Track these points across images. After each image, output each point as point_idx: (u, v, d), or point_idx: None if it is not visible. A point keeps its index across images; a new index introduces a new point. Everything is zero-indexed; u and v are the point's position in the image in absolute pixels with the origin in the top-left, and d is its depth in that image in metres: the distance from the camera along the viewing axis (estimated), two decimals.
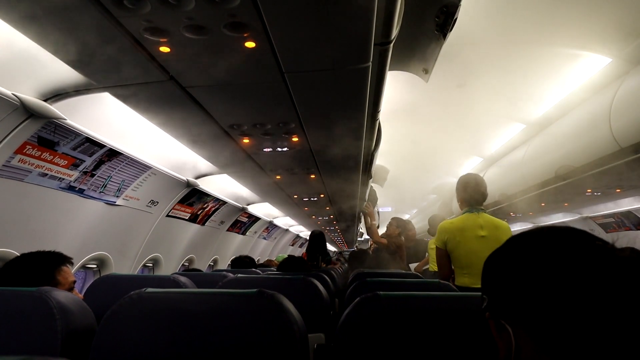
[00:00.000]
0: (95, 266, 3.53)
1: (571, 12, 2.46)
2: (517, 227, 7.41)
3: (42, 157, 2.27)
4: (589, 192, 4.22)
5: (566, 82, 3.29)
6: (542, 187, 4.08)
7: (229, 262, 6.65)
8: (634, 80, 2.53)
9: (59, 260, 1.72)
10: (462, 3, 2.01)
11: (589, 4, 2.38)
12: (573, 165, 3.31)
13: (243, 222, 6.61)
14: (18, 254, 1.80)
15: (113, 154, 2.70)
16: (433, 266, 3.94)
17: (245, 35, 1.47)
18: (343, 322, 1.32)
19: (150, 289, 1.32)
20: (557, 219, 6.66)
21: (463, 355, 1.20)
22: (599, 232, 5.89)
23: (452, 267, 2.65)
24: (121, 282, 2.14)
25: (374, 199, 6.68)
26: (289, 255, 3.46)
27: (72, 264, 1.76)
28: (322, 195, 5.06)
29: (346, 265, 7.08)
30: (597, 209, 5.66)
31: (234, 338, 1.23)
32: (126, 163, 2.91)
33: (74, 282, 1.76)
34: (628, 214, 5.26)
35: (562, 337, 0.60)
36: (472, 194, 2.70)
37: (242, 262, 4.07)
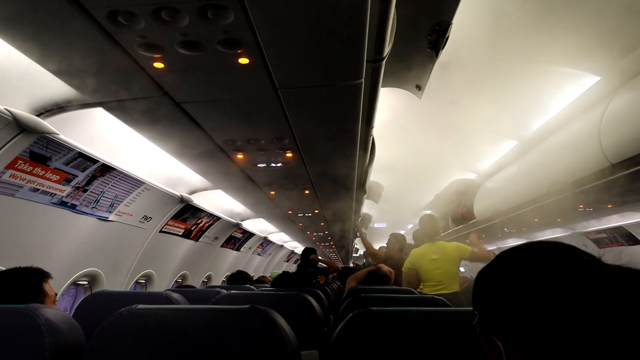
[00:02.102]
0: (86, 283, 3.48)
1: (560, 31, 2.51)
2: (511, 243, 7.42)
3: (33, 172, 2.26)
4: (581, 207, 4.25)
5: (557, 99, 3.34)
6: (535, 203, 4.10)
7: (223, 279, 6.58)
8: (622, 98, 2.57)
9: (41, 275, 1.70)
10: (454, 22, 2.05)
11: (577, 23, 2.43)
12: (565, 181, 3.34)
13: (237, 237, 6.57)
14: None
15: (106, 169, 2.69)
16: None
17: (239, 51, 1.49)
18: (336, 339, 1.31)
19: (141, 306, 1.31)
20: (551, 234, 6.67)
21: None
22: (592, 248, 5.91)
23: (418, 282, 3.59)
24: (112, 298, 2.11)
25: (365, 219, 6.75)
26: (283, 272, 3.43)
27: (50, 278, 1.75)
28: (316, 211, 5.06)
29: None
30: (590, 224, 5.68)
31: (225, 355, 1.21)
32: (119, 178, 2.90)
33: (56, 294, 1.75)
34: (620, 229, 5.29)
35: (550, 352, 0.60)
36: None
37: (240, 278, 4.02)
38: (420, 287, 3.66)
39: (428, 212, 8.61)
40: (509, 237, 7.14)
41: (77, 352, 1.25)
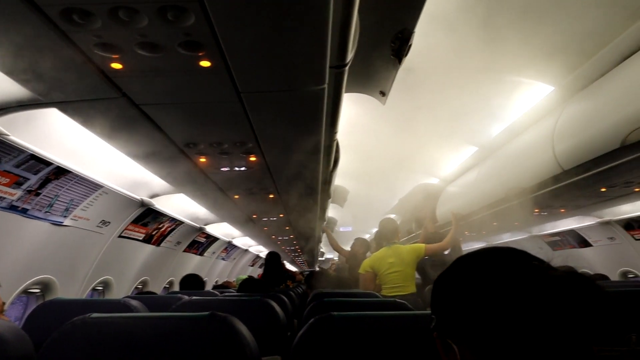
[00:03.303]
0: (38, 291, 3.33)
1: (517, 42, 2.61)
2: (473, 247, 7.62)
3: None
4: (537, 212, 4.41)
5: (514, 107, 3.46)
6: (493, 207, 4.22)
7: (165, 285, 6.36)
8: (574, 108, 2.70)
9: None
10: (416, 30, 2.10)
11: (533, 36, 2.53)
12: (521, 186, 3.46)
13: (201, 242, 6.45)
14: None
15: (61, 172, 2.58)
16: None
17: (200, 54, 1.46)
18: (297, 344, 1.31)
19: (95, 314, 1.26)
20: (509, 237, 6.91)
21: None
22: (547, 250, 6.15)
23: (377, 284, 3.71)
24: (66, 307, 2.02)
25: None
26: (248, 276, 3.40)
27: None
28: (281, 215, 5.04)
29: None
30: (546, 228, 5.92)
31: None
32: (75, 181, 2.79)
33: (4, 304, 1.66)
34: (572, 232, 5.53)
35: (502, 355, 0.62)
36: (385, 234, 3.87)
37: (191, 283, 3.90)
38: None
39: (392, 216, 8.76)
40: (470, 241, 7.33)
41: None
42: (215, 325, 1.23)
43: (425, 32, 2.30)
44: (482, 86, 3.25)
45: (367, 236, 10.99)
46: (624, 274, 5.15)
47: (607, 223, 4.82)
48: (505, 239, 7.06)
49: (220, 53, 1.46)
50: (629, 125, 2.20)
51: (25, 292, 3.15)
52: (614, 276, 5.20)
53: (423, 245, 3.76)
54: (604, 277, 4.18)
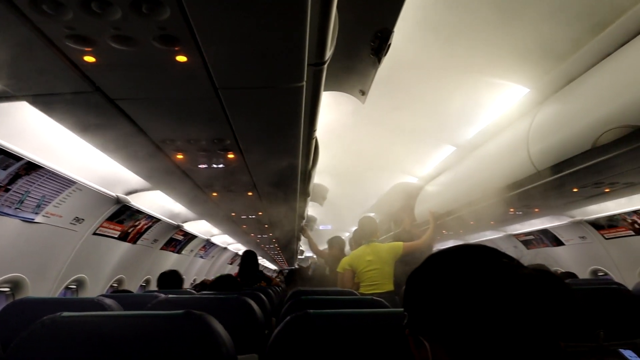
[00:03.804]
0: (8, 289, 3.23)
1: (493, 44, 2.65)
2: (451, 245, 7.70)
3: None
4: (512, 211, 4.50)
5: (491, 108, 3.52)
6: (470, 206, 4.29)
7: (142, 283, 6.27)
8: (548, 110, 2.76)
9: None
10: (395, 30, 2.11)
11: (509, 38, 2.58)
12: (497, 186, 3.52)
13: (178, 240, 6.37)
14: None
15: (32, 167, 2.51)
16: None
17: (176, 49, 1.44)
18: (273, 342, 1.30)
19: (66, 313, 1.23)
20: (485, 236, 7.02)
21: None
22: (522, 249, 6.28)
23: (355, 282, 3.72)
24: (38, 306, 1.98)
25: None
26: (220, 275, 3.37)
27: None
28: (260, 213, 5.01)
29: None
30: (520, 227, 6.04)
31: None
32: (47, 177, 2.72)
33: None
34: (546, 231, 5.66)
35: (473, 351, 0.63)
36: (364, 232, 3.92)
37: (170, 280, 3.84)
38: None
39: (371, 214, 8.81)
40: (448, 239, 7.43)
41: None
42: (191, 324, 1.21)
43: (403, 32, 2.32)
44: (461, 87, 3.29)
45: (346, 234, 11.04)
46: (594, 272, 5.30)
47: (579, 223, 4.95)
48: (481, 237, 7.19)
49: (197, 48, 1.44)
50: (600, 127, 2.26)
51: None
52: (585, 274, 5.35)
53: (401, 243, 3.78)
54: (572, 275, 4.30)
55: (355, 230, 4.28)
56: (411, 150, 5.11)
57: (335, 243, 5.08)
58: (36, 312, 1.73)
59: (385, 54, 2.27)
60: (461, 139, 4.24)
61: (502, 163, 3.37)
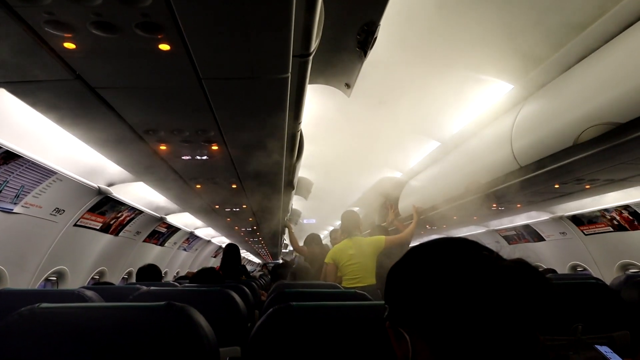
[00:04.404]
0: None
1: (478, 40, 2.67)
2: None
3: None
4: (494, 207, 4.55)
5: (476, 104, 3.55)
6: (454, 201, 4.33)
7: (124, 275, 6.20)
8: (531, 106, 2.79)
9: None
10: (382, 24, 2.11)
11: (493, 34, 2.60)
12: (480, 181, 3.56)
13: (161, 232, 6.32)
14: None
15: (10, 157, 2.46)
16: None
17: (159, 36, 1.41)
18: (255, 334, 1.30)
19: (45, 304, 1.21)
20: (468, 231, 7.11)
21: None
22: (503, 244, 6.37)
23: (338, 276, 3.74)
24: (16, 297, 1.95)
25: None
26: (203, 267, 3.35)
27: None
28: (244, 206, 4.98)
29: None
30: (502, 222, 6.12)
31: (140, 353, 1.16)
32: (26, 167, 2.66)
33: None
34: (527, 227, 5.76)
35: (452, 342, 0.63)
36: (347, 226, 3.90)
37: (148, 274, 3.81)
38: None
39: (356, 209, 8.84)
40: (431, 233, 7.50)
41: None
42: (172, 315, 1.21)
43: (389, 26, 2.32)
44: (446, 83, 3.31)
45: (330, 228, 11.06)
46: (574, 267, 5.41)
47: (560, 218, 5.04)
48: (464, 232, 7.27)
49: (180, 36, 1.42)
50: (582, 124, 2.29)
51: None
52: (565, 269, 5.45)
53: (383, 237, 3.80)
54: (552, 272, 4.38)
55: (342, 222, 4.28)
56: (396, 145, 5.13)
57: (312, 240, 5.08)
58: (15, 303, 1.70)
59: (371, 48, 2.26)
60: (446, 134, 4.27)
61: (485, 158, 3.40)
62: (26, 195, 2.93)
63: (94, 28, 1.35)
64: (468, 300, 0.63)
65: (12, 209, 2.90)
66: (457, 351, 0.63)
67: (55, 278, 4.13)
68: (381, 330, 1.25)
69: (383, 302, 0.81)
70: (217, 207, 5.04)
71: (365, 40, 2.19)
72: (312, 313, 1.34)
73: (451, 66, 3.11)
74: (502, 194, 3.68)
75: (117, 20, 1.32)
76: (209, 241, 9.77)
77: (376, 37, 2.19)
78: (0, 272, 3.15)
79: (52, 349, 1.15)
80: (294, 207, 7.60)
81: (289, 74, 1.71)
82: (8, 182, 2.64)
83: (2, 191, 2.67)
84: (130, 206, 4.52)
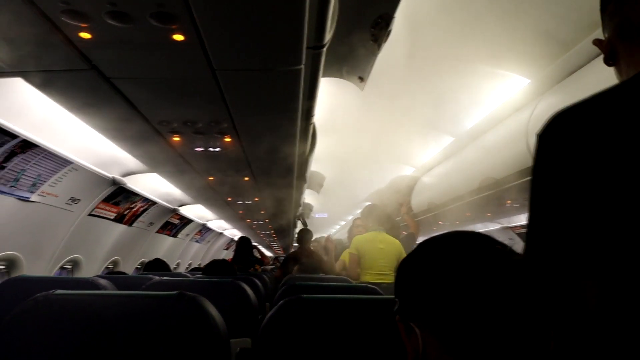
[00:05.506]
0: (3, 267, 3.23)
1: (495, 33, 2.62)
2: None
3: None
4: (509, 203, 4.49)
5: (491, 99, 3.49)
6: (467, 197, 4.29)
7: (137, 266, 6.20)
8: (548, 101, 2.74)
9: None
10: (396, 16, 2.08)
11: (511, 28, 2.55)
12: (495, 177, 3.51)
13: (174, 223, 6.37)
14: None
15: (27, 146, 2.49)
16: None
17: (173, 27, 1.42)
18: (265, 326, 1.30)
19: (60, 291, 1.23)
20: (481, 228, 7.04)
21: (381, 357, 1.22)
22: (517, 241, 6.30)
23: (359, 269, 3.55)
24: (32, 284, 1.97)
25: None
26: (214, 259, 3.36)
27: None
28: (256, 199, 5.00)
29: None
30: (517, 219, 6.04)
31: (151, 342, 1.17)
32: (43, 156, 2.70)
33: None
34: None
35: (462, 337, 0.62)
36: (379, 217, 3.77)
37: (156, 268, 3.83)
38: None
39: (368, 203, 8.78)
40: (443, 230, 7.44)
41: None
42: (184, 305, 1.21)
43: (404, 19, 2.29)
44: (461, 77, 3.27)
45: (342, 223, 11.04)
46: None
47: None
48: (477, 229, 7.20)
49: (194, 27, 1.42)
50: None
51: None
52: None
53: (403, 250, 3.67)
54: None
55: (367, 212, 4.03)
56: (409, 139, 5.08)
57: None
58: (31, 290, 1.73)
59: (385, 40, 2.24)
60: (460, 129, 4.23)
61: (500, 154, 3.36)
62: (43, 184, 2.97)
63: (109, 18, 1.36)
64: (480, 294, 0.62)
65: (29, 197, 2.95)
66: (468, 345, 0.62)
67: (70, 266, 4.20)
68: (393, 325, 1.25)
69: (394, 296, 0.80)
70: (229, 199, 5.07)
71: (379, 32, 2.17)
72: (323, 306, 1.33)
73: (467, 60, 3.07)
74: (517, 191, 3.63)
75: (132, 10, 1.32)
76: (220, 233, 9.85)
77: (391, 30, 2.17)
78: (17, 259, 3.22)
79: (66, 334, 1.17)
80: (305, 200, 7.60)
81: (303, 66, 1.70)
82: (25, 170, 2.68)
83: (20, 180, 2.71)
84: (143, 197, 4.56)
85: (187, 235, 7.47)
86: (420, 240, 4.03)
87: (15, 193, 2.78)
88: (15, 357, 1.13)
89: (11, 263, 3.23)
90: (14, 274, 3.24)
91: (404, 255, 3.59)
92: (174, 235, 6.80)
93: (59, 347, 1.13)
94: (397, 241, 3.71)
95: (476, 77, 3.25)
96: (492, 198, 4.01)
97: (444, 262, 0.69)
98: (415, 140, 5.10)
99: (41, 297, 1.21)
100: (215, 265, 3.10)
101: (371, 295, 1.55)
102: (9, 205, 2.81)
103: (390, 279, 3.46)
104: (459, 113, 3.95)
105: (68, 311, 1.19)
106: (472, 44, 2.83)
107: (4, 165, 2.49)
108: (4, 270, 3.26)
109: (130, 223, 4.87)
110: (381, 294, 2.05)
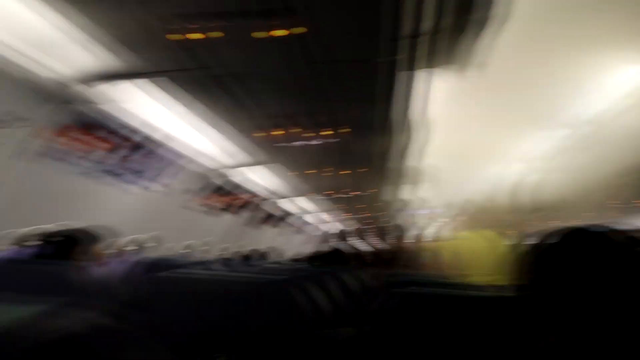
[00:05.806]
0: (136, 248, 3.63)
1: (615, 21, 2.36)
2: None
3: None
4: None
5: (612, 90, 3.16)
6: (598, 190, 3.92)
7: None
8: None
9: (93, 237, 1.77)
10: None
11: (632, 15, 2.27)
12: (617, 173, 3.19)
13: (276, 215, 6.66)
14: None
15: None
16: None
17: (277, 23, 1.45)
18: (370, 317, 1.28)
19: (180, 270, 1.32)
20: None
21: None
22: None
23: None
24: (155, 265, 2.17)
25: None
26: (333, 248, 3.42)
27: None
28: (356, 192, 5.01)
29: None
30: None
31: (258, 322, 1.21)
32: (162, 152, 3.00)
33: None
34: None
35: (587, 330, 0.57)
36: (492, 217, 3.65)
37: (336, 257, 4.01)
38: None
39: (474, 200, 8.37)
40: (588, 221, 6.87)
41: None
42: (290, 290, 1.24)
43: (520, 6, 2.12)
44: (580, 67, 3.01)
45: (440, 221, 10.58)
46: None
47: None
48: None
49: (297, 22, 1.44)
50: None
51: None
52: None
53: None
54: None
55: (466, 210, 3.94)
56: (522, 132, 4.75)
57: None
58: (155, 269, 1.91)
59: (492, 30, 2.08)
60: (578, 120, 3.87)
61: (624, 145, 3.02)
62: (163, 177, 3.29)
63: (216, 17, 1.42)
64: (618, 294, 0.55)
65: (150, 188, 3.28)
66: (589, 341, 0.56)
67: (189, 251, 4.58)
68: (510, 325, 1.16)
69: (514, 295, 0.75)
70: (328, 193, 5.13)
71: (483, 21, 2.01)
72: (433, 301, 1.28)
73: (586, 50, 2.79)
74: None
75: (237, 9, 1.37)
76: (318, 225, 10.04)
77: (497, 19, 2.00)
78: (159, 237, 3.61)
79: (183, 308, 1.25)
80: (405, 195, 7.46)
81: (400, 57, 1.65)
82: (147, 165, 2.99)
83: (145, 172, 3.03)
84: (248, 190, 4.82)
85: (288, 226, 7.74)
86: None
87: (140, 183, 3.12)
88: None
89: (140, 245, 3.61)
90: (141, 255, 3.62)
91: (506, 255, 3.40)
92: (276, 227, 7.10)
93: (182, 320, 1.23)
94: (496, 235, 3.54)
95: (595, 67, 2.96)
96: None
97: (589, 258, 0.62)
98: (529, 133, 4.77)
99: (164, 276, 1.31)
100: (331, 255, 3.15)
101: (487, 292, 1.46)
102: (135, 195, 3.18)
103: (500, 281, 3.31)
104: (577, 104, 3.62)
105: (185, 288, 1.28)
106: (591, 34, 2.57)
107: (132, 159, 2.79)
108: (135, 251, 3.65)
109: (236, 213, 5.17)
110: (496, 293, 1.93)
